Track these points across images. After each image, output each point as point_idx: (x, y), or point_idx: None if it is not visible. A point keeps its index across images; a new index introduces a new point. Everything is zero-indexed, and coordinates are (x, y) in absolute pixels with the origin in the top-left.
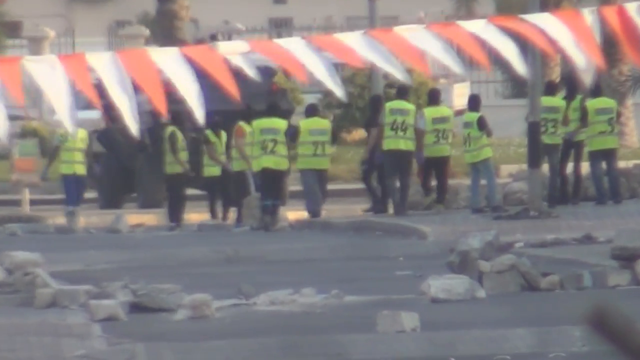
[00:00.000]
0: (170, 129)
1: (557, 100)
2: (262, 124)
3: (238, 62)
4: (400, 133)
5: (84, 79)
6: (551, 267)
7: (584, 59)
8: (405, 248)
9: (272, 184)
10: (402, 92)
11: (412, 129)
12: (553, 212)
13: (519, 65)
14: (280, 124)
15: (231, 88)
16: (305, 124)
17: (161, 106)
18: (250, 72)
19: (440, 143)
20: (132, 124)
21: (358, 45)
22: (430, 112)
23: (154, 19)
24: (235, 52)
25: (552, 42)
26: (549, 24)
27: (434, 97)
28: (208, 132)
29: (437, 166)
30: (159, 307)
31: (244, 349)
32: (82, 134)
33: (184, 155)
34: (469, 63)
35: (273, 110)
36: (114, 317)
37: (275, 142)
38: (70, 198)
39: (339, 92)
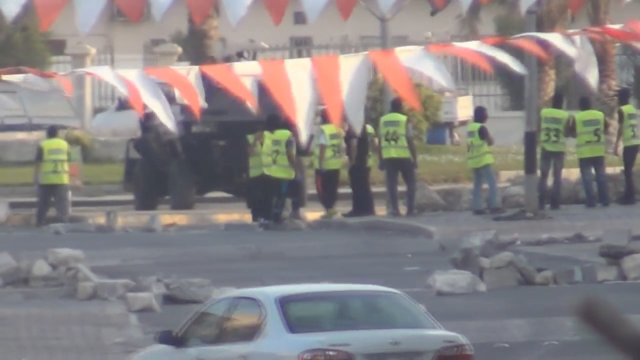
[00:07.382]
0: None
1: (559, 112)
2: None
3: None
4: (393, 142)
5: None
6: (545, 263)
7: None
8: (413, 246)
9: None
10: (396, 105)
11: (403, 138)
12: (547, 213)
13: (515, 66)
14: (284, 134)
15: (250, 100)
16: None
17: (195, 105)
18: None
19: (335, 157)
20: (169, 123)
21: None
22: (328, 128)
23: (186, 37)
24: (248, 73)
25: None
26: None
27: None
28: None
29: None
30: (190, 299)
31: None
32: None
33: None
34: (471, 78)
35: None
36: (149, 308)
37: (277, 152)
38: None
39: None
